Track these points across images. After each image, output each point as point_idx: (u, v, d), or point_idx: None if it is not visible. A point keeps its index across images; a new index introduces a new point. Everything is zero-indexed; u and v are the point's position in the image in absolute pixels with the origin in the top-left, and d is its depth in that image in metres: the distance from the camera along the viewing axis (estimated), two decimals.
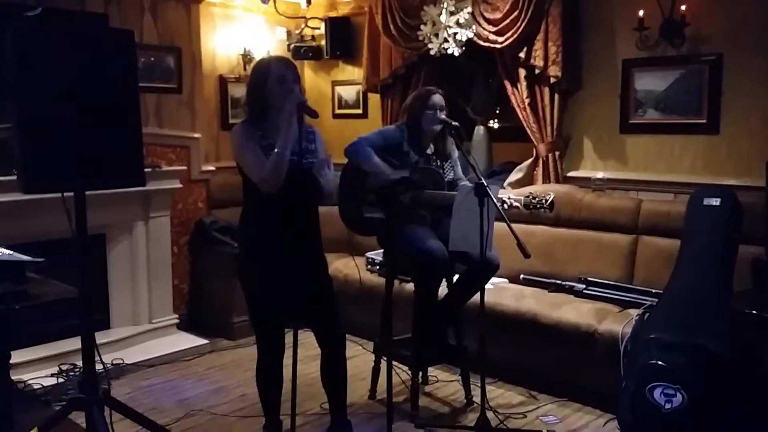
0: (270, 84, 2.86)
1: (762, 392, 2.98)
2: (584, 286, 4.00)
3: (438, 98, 3.59)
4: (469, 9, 4.60)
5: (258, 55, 5.50)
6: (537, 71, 4.40)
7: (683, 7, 3.87)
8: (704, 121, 3.97)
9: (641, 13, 3.99)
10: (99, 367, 2.65)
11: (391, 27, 5.00)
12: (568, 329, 3.65)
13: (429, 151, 3.67)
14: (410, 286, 3.88)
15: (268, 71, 2.89)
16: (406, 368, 3.71)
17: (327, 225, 3.13)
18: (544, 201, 3.35)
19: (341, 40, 5.62)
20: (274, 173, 2.76)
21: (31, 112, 2.35)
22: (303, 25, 5.76)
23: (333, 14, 5.70)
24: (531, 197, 3.39)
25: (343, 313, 3.14)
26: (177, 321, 4.81)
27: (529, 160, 4.62)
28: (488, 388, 3.55)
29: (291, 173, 2.79)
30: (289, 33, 5.81)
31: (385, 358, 3.08)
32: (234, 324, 4.76)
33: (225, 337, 4.78)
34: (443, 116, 3.54)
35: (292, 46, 5.73)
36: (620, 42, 4.24)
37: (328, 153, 3.03)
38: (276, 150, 2.76)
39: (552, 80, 4.36)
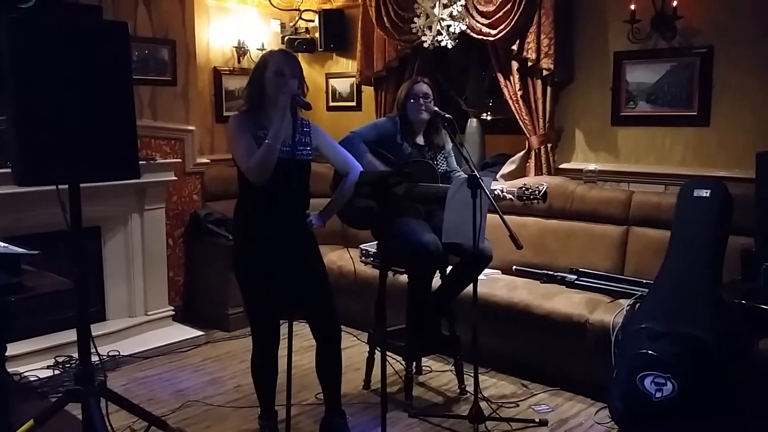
0: (268, 76, 2.88)
1: (751, 381, 3.01)
2: (576, 276, 4.04)
3: (420, 87, 3.62)
4: (462, 1, 4.61)
5: (252, 47, 5.51)
6: (529, 64, 4.42)
7: (674, 0, 3.89)
8: (695, 113, 4.00)
9: (633, 6, 4.01)
10: (95, 358, 2.68)
11: (385, 19, 5.01)
12: (560, 319, 3.69)
13: (421, 142, 3.70)
14: (404, 278, 3.89)
15: (267, 63, 2.91)
16: (400, 359, 3.73)
17: None
18: (537, 192, 3.38)
19: (335, 32, 5.62)
20: (261, 164, 2.78)
21: (26, 104, 2.36)
22: (297, 18, 5.75)
23: (327, 7, 5.69)
24: (524, 189, 3.42)
25: (338, 304, 3.16)
26: (172, 313, 4.82)
27: (522, 152, 4.65)
28: (481, 377, 3.59)
29: (284, 165, 2.80)
30: (283, 25, 5.81)
31: (380, 349, 3.11)
32: (229, 315, 4.78)
33: (220, 329, 4.80)
34: (433, 107, 3.57)
35: (286, 38, 5.73)
36: (612, 34, 4.26)
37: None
38: (266, 141, 2.78)
39: (544, 72, 4.38)
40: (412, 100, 3.61)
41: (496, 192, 3.37)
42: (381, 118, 4.02)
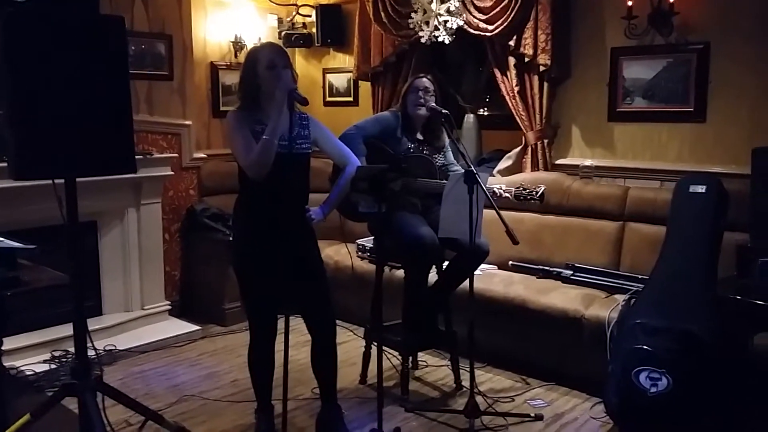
0: (260, 71, 2.88)
1: (745, 376, 3.03)
2: (572, 272, 4.05)
3: (421, 81, 3.64)
4: None
5: (249, 42, 5.50)
6: (526, 59, 4.42)
7: None
8: (691, 109, 4.00)
9: (630, 2, 4.01)
10: (91, 353, 2.68)
11: (382, 15, 5.00)
12: (555, 315, 3.70)
13: (420, 137, 3.71)
14: (400, 273, 3.91)
15: (258, 58, 2.91)
16: (396, 353, 3.75)
17: None
18: (534, 193, 3.39)
19: (332, 27, 5.62)
20: (260, 159, 2.79)
21: (22, 99, 2.36)
22: (294, 13, 5.75)
23: (324, 2, 5.69)
24: (522, 188, 3.43)
25: (334, 299, 3.17)
26: (169, 307, 4.83)
27: (518, 148, 4.65)
28: (477, 372, 3.59)
29: (282, 160, 2.81)
30: (280, 20, 5.81)
31: (376, 344, 3.12)
32: (226, 310, 4.79)
33: (217, 323, 4.81)
34: (432, 103, 3.58)
35: (283, 33, 5.73)
36: (609, 30, 4.27)
37: None
38: (264, 137, 2.78)
39: (541, 68, 4.38)
40: (411, 94, 3.63)
41: (494, 190, 3.38)
42: (384, 112, 4.03)
